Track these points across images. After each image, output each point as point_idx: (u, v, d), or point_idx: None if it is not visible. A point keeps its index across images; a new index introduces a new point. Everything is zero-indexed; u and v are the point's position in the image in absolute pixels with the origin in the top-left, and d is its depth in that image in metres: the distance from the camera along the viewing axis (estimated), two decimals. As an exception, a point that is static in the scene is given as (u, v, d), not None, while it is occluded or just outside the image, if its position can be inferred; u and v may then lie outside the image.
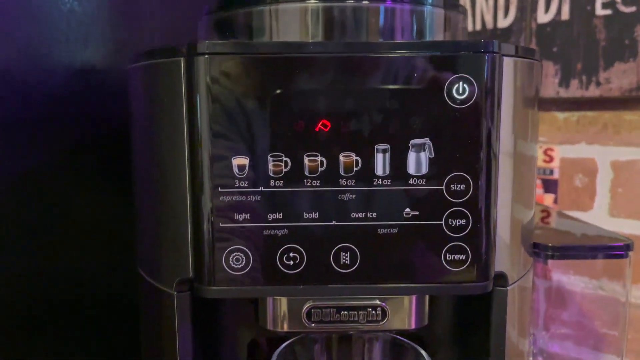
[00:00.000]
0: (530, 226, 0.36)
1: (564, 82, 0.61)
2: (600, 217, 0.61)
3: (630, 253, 0.40)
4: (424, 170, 0.28)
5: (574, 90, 0.60)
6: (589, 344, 0.55)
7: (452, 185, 0.28)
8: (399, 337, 0.34)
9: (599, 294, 0.57)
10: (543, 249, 0.38)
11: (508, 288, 0.32)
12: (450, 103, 0.28)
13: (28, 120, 0.40)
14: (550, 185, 0.64)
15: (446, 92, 0.28)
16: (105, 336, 0.48)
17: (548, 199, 0.65)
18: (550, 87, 0.62)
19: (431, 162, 0.28)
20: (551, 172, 0.64)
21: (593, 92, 0.59)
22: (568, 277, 0.62)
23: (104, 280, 0.46)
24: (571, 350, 0.57)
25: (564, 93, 0.61)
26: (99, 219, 0.45)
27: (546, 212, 0.57)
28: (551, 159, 0.64)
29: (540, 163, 0.65)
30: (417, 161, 0.28)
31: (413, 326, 0.31)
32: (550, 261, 0.64)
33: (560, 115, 0.63)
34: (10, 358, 0.41)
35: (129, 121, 0.34)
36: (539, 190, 0.65)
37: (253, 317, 0.36)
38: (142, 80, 0.32)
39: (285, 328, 0.30)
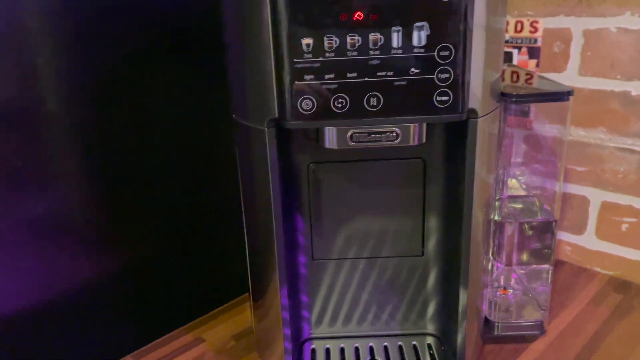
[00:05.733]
0: (498, 80, 0.52)
1: (549, -38, 0.72)
2: (571, 77, 0.77)
3: (571, 98, 0.56)
4: (423, 43, 0.44)
5: (557, -31, 0.72)
6: (554, 175, 0.73)
7: (440, 52, 0.45)
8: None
9: (567, 138, 0.74)
10: (509, 97, 0.55)
11: (478, 119, 0.49)
12: (440, -3, 0.43)
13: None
14: (534, 52, 0.79)
15: (438, -10, 0.43)
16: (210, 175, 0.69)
17: (532, 64, 0.80)
18: (539, -33, 0.73)
19: (428, 37, 0.44)
20: (535, 41, 0.78)
21: (572, -29, 0.71)
22: (544, 126, 0.79)
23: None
24: (537, 181, 0.76)
25: (548, -28, 0.73)
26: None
27: (530, 75, 0.73)
28: (536, 30, 0.77)
29: (526, 34, 0.78)
30: (419, 37, 0.44)
31: (416, 142, 0.49)
32: (532, 114, 0.82)
33: (546, -8, 0.76)
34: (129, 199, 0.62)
35: (223, 10, 0.50)
36: (525, 57, 0.80)
37: (310, 151, 0.55)
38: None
39: (335, 146, 0.49)
